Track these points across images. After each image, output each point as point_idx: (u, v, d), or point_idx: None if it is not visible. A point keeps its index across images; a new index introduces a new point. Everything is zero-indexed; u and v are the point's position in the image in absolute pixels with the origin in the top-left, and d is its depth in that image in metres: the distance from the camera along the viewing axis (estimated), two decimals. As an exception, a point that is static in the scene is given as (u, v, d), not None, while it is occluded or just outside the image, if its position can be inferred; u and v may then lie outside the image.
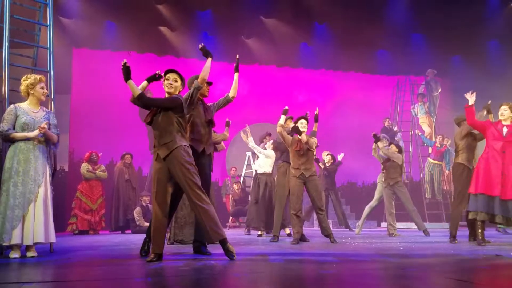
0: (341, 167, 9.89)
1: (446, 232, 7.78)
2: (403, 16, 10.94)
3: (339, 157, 9.04)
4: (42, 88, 4.13)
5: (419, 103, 11.40)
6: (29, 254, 3.91)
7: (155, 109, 3.69)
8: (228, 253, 3.59)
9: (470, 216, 5.01)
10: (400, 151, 7.41)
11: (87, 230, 8.21)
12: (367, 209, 7.92)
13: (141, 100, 3.66)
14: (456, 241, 5.36)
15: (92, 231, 8.27)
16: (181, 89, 3.85)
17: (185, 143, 3.64)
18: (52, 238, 4.04)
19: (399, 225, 10.30)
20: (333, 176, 9.21)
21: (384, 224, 10.98)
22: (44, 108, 4.23)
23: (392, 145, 7.49)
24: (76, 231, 8.17)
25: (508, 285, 2.52)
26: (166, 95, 3.79)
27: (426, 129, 11.30)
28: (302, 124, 5.85)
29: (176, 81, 3.80)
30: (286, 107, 5.82)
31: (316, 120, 6.15)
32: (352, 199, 12.18)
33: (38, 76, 4.15)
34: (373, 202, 7.94)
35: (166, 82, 3.78)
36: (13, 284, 2.47)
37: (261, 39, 11.76)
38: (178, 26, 11.03)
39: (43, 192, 3.98)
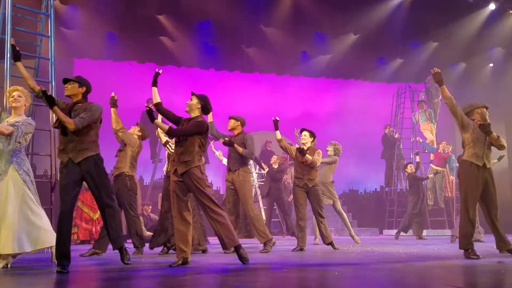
0: (343, 174, 9.87)
1: (449, 239, 7.76)
2: (402, 23, 10.99)
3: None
4: (12, 96, 4.10)
5: (420, 110, 11.40)
6: None
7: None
8: (241, 258, 3.87)
9: None
10: None
11: (88, 240, 8.19)
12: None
13: (170, 134, 4.04)
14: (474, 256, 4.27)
15: (93, 241, 8.23)
16: (198, 106, 4.11)
17: (202, 163, 4.02)
18: (26, 248, 3.86)
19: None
20: (279, 181, 8.67)
21: (387, 231, 10.95)
22: (24, 116, 4.14)
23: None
24: (78, 241, 8.15)
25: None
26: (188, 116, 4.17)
27: (428, 136, 11.28)
28: (305, 137, 5.85)
29: (191, 100, 4.14)
30: (277, 118, 5.65)
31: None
32: (353, 206, 12.15)
33: (8, 89, 4.18)
34: None
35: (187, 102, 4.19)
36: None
37: (261, 48, 11.83)
38: (179, 36, 11.10)
39: (10, 201, 3.84)
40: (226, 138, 5.54)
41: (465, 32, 11.31)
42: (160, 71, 4.32)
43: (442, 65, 12.50)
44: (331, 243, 5.77)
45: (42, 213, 4.03)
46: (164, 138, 5.52)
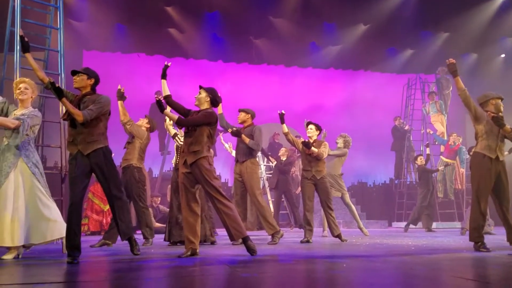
0: (352, 166, 9.80)
1: (458, 232, 7.71)
2: (412, 13, 10.85)
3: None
4: (19, 89, 4.12)
5: (430, 102, 11.29)
6: (3, 256, 3.85)
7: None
8: (249, 250, 3.91)
9: None
10: None
11: (99, 231, 8.27)
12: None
13: (180, 124, 4.03)
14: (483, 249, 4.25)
15: (104, 232, 8.32)
16: (207, 100, 4.12)
17: (210, 154, 4.01)
18: (37, 239, 3.93)
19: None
20: (287, 173, 8.68)
21: (396, 224, 10.91)
22: (30, 109, 4.16)
23: None
24: (88, 232, 8.23)
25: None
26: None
27: (439, 128, 11.18)
28: (311, 130, 5.83)
29: (199, 93, 4.13)
30: (283, 112, 5.62)
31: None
32: (362, 199, 12.12)
33: (15, 81, 4.20)
34: None
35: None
36: (26, 285, 2.50)
37: (270, 39, 11.76)
38: (187, 28, 11.08)
39: (19, 194, 3.88)
40: (234, 128, 5.54)
41: (477, 22, 11.13)
42: (169, 64, 4.33)
43: (453, 56, 12.22)
44: (338, 235, 5.77)
45: (52, 205, 4.07)
46: (173, 130, 5.54)
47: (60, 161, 5.27)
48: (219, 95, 4.28)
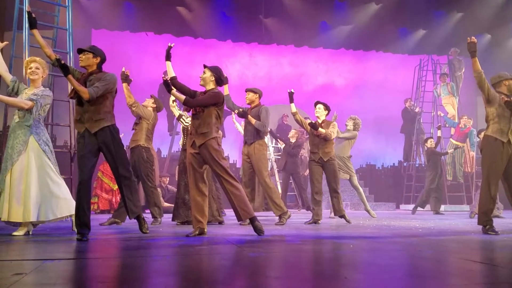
0: (360, 148, 9.73)
1: (467, 215, 7.69)
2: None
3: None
4: (30, 68, 4.12)
5: (442, 84, 11.11)
6: (14, 232, 3.92)
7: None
8: (257, 230, 3.96)
9: None
10: None
11: (108, 210, 8.38)
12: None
13: (186, 105, 3.98)
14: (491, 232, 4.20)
15: (113, 211, 8.42)
16: (212, 79, 4.08)
17: (219, 135, 4.03)
18: (47, 216, 3.96)
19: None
20: (295, 156, 8.62)
21: (404, 206, 10.90)
22: (41, 88, 4.16)
23: None
24: (98, 211, 8.34)
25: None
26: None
27: (450, 110, 11.03)
28: (319, 110, 5.76)
29: (204, 73, 4.10)
30: (292, 91, 5.54)
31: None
32: (371, 181, 12.10)
33: (26, 60, 4.18)
34: None
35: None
36: (35, 261, 2.53)
37: (280, 18, 11.61)
38: (196, 6, 10.97)
39: (30, 171, 3.92)
40: (240, 109, 5.50)
41: (491, 2, 10.87)
42: (172, 44, 4.27)
43: (466, 37, 12.07)
44: (343, 216, 5.75)
45: (62, 182, 4.12)
46: (177, 112, 5.51)
47: (69, 140, 5.30)
48: (225, 74, 4.23)
